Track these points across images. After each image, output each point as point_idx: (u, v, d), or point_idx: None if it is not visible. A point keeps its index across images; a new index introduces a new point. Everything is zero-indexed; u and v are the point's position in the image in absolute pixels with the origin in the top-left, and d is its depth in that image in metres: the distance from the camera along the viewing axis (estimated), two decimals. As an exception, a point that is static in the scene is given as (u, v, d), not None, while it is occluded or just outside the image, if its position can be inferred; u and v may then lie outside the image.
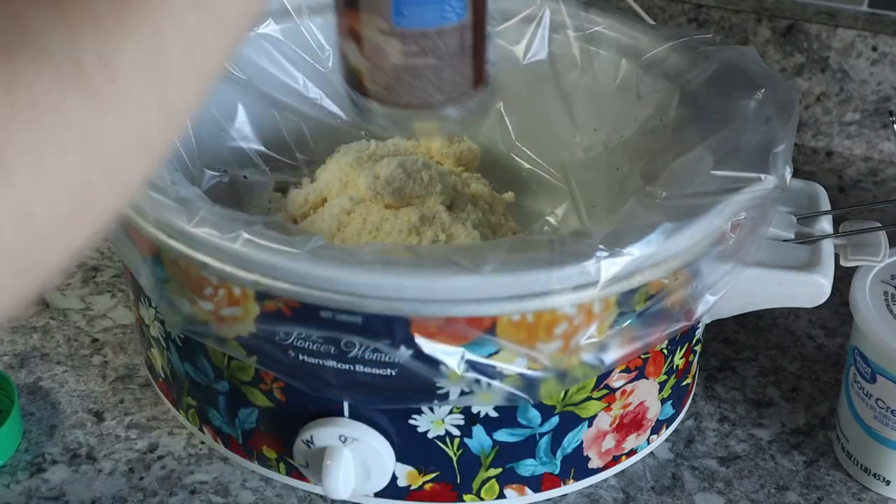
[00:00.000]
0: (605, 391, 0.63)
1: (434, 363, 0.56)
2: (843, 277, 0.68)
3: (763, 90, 0.67)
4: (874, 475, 0.67)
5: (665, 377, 0.66)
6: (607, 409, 0.63)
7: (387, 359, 0.56)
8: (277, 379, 0.61)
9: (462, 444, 0.62)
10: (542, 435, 0.63)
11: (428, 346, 0.55)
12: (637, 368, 0.63)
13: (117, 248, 0.64)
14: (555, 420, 0.62)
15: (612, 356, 0.58)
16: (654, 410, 0.67)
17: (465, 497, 0.64)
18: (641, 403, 0.65)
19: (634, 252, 0.55)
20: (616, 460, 0.67)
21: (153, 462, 0.68)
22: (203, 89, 0.38)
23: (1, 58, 0.32)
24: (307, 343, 0.57)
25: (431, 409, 0.61)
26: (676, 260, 0.58)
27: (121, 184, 0.36)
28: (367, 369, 0.57)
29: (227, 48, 0.39)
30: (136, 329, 0.76)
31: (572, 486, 0.66)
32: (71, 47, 0.34)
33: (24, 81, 0.32)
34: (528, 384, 0.57)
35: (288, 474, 0.66)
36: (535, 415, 0.62)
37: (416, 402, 0.60)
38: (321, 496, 0.66)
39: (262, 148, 0.78)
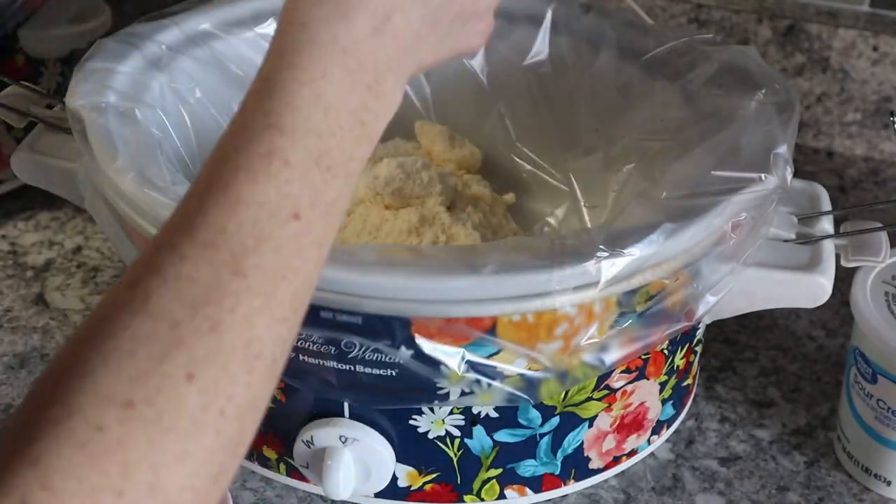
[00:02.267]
0: (605, 392, 0.62)
1: (434, 363, 0.56)
2: (844, 278, 0.68)
3: (764, 90, 0.67)
4: (875, 476, 0.67)
5: (666, 377, 0.66)
6: (608, 409, 0.63)
7: (387, 359, 0.56)
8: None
9: (462, 445, 0.62)
10: (542, 435, 0.62)
11: (428, 346, 0.55)
12: (638, 369, 0.63)
13: (117, 248, 0.64)
14: (555, 420, 0.62)
15: (612, 356, 0.58)
16: (655, 411, 0.67)
17: (466, 497, 0.64)
18: (642, 404, 0.65)
19: (635, 252, 0.55)
20: (616, 461, 0.67)
21: (153, 462, 0.68)
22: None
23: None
24: (307, 343, 0.57)
25: (432, 410, 0.60)
26: (677, 260, 0.58)
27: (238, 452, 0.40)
28: (368, 370, 0.57)
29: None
30: (136, 329, 0.76)
31: (573, 487, 0.66)
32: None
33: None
34: (529, 384, 0.57)
35: (288, 475, 0.66)
36: (535, 415, 0.61)
37: (416, 403, 0.60)
38: (321, 496, 0.66)
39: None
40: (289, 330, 0.42)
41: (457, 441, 0.62)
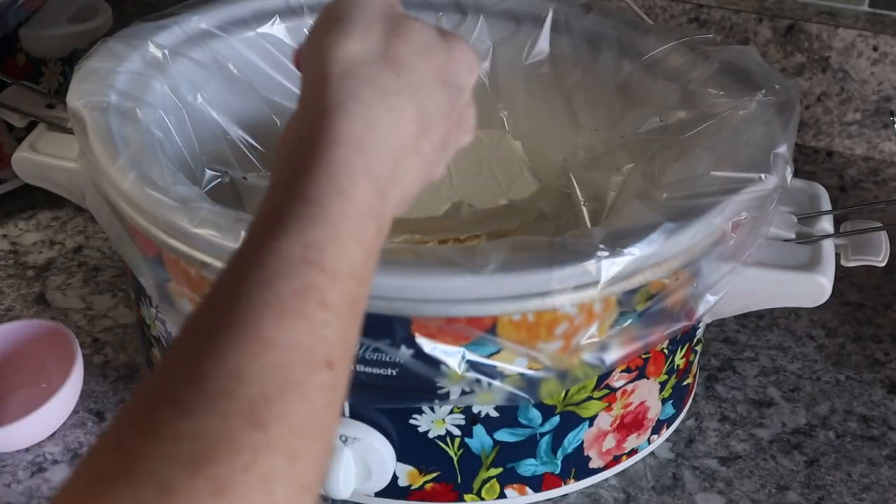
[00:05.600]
0: (605, 391, 0.62)
1: (435, 363, 0.56)
2: (844, 277, 0.68)
3: (763, 90, 0.67)
4: None
5: (666, 377, 0.66)
6: (608, 408, 0.63)
7: (388, 358, 0.56)
8: (278, 379, 0.61)
9: (463, 444, 0.62)
10: (542, 435, 0.62)
11: (429, 345, 0.55)
12: (638, 368, 0.63)
13: (118, 247, 0.64)
14: (555, 420, 0.62)
15: (612, 356, 0.58)
16: (655, 410, 0.67)
17: (466, 497, 0.64)
18: (642, 403, 0.65)
19: (635, 252, 0.55)
20: (617, 460, 0.67)
21: (154, 462, 0.68)
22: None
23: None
24: (308, 343, 0.57)
25: (432, 409, 0.61)
26: (677, 260, 0.58)
27: None
28: (368, 369, 0.57)
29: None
30: (136, 329, 0.76)
31: (573, 486, 0.66)
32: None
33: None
34: (529, 384, 0.57)
35: (289, 474, 0.66)
36: (535, 414, 0.62)
37: (416, 402, 0.60)
38: (322, 496, 0.66)
39: (262, 150, 0.78)
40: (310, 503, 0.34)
41: (457, 440, 0.62)
